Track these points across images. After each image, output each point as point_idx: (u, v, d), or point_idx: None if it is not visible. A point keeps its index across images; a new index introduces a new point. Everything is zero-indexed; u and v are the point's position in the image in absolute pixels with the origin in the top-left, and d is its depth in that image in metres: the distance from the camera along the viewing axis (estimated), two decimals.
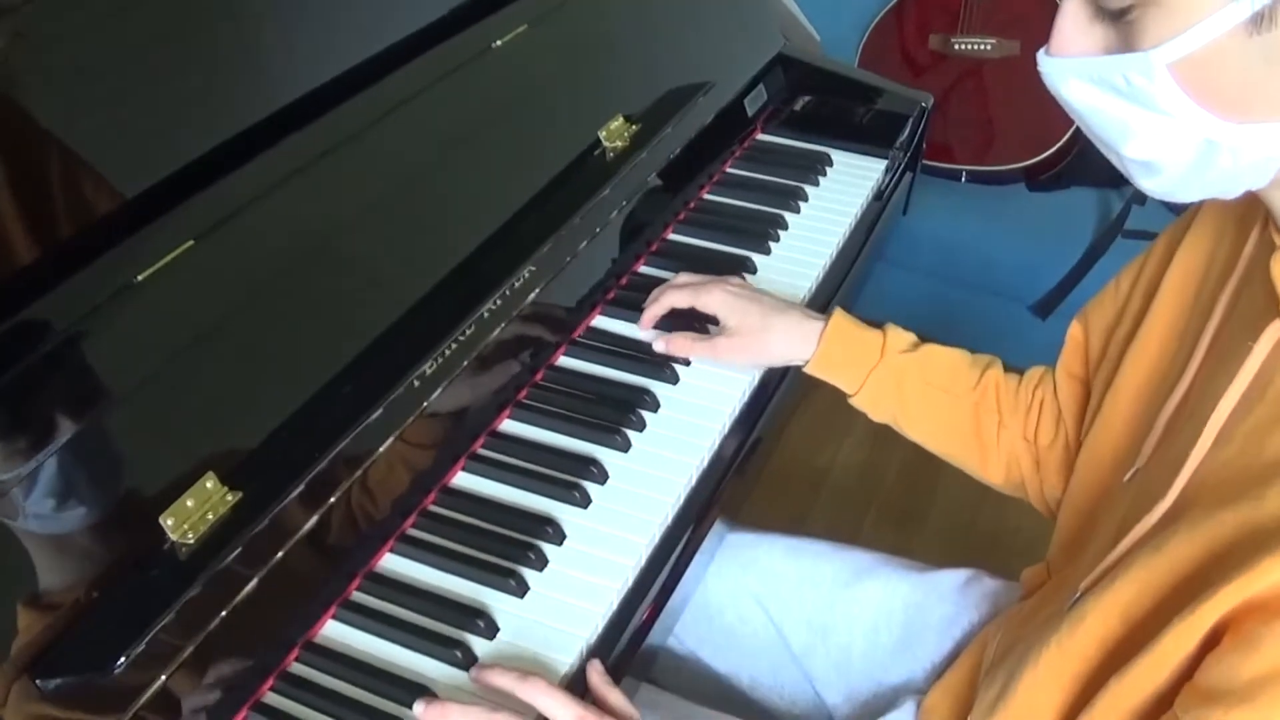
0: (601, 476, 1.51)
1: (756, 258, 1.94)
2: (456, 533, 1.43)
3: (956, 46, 3.21)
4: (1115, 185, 3.15)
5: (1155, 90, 0.98)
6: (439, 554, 1.40)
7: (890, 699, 1.60)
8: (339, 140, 1.53)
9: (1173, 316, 1.36)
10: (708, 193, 2.11)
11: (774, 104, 2.32)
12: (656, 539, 1.46)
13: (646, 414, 1.60)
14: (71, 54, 1.32)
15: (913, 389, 1.63)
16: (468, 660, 1.28)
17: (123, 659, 1.11)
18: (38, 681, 1.08)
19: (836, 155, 2.23)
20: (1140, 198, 3.02)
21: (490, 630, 1.32)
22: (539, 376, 1.67)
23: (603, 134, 1.87)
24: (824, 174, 2.18)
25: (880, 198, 2.18)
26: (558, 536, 1.42)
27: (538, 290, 1.64)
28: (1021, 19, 3.14)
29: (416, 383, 1.44)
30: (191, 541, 1.20)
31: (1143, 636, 1.12)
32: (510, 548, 1.40)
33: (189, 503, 1.21)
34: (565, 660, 1.31)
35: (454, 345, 1.50)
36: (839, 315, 1.66)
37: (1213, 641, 1.06)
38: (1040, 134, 3.12)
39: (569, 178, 1.79)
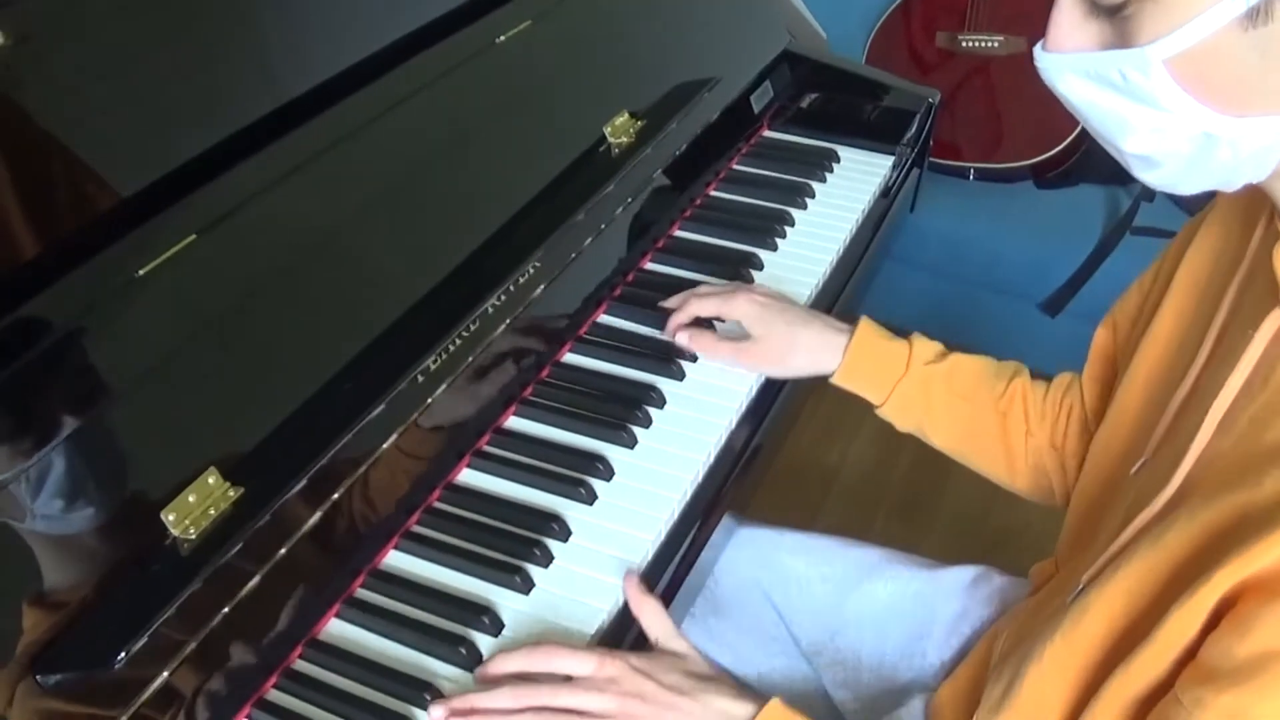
0: (607, 473, 1.50)
1: (763, 254, 1.93)
2: (462, 529, 1.43)
3: (964, 44, 3.20)
4: (1124, 182, 3.14)
5: (1152, 86, 0.98)
6: (444, 551, 1.40)
7: (899, 696, 1.59)
8: (342, 136, 1.53)
9: (1183, 310, 1.36)
10: (714, 189, 2.10)
11: (780, 101, 2.32)
12: (663, 535, 1.45)
13: (653, 410, 1.60)
14: (75, 49, 1.32)
15: (939, 400, 1.63)
16: (473, 657, 1.27)
17: (123, 654, 1.10)
18: (38, 677, 1.07)
19: (843, 152, 2.22)
20: (1149, 194, 3.01)
21: (496, 627, 1.31)
22: (545, 373, 1.66)
23: (607, 130, 1.86)
24: (831, 170, 2.17)
25: (887, 194, 2.17)
26: (563, 533, 1.42)
27: (543, 287, 1.64)
28: (1028, 16, 3.13)
29: (420, 378, 1.44)
30: (193, 537, 1.19)
31: (1145, 625, 1.12)
32: (516, 544, 1.40)
33: (190, 498, 1.20)
34: None
35: (458, 341, 1.49)
36: (864, 327, 1.65)
37: (1213, 626, 1.06)
38: (1048, 131, 3.11)
39: (573, 174, 1.78)
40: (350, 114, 1.55)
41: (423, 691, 1.23)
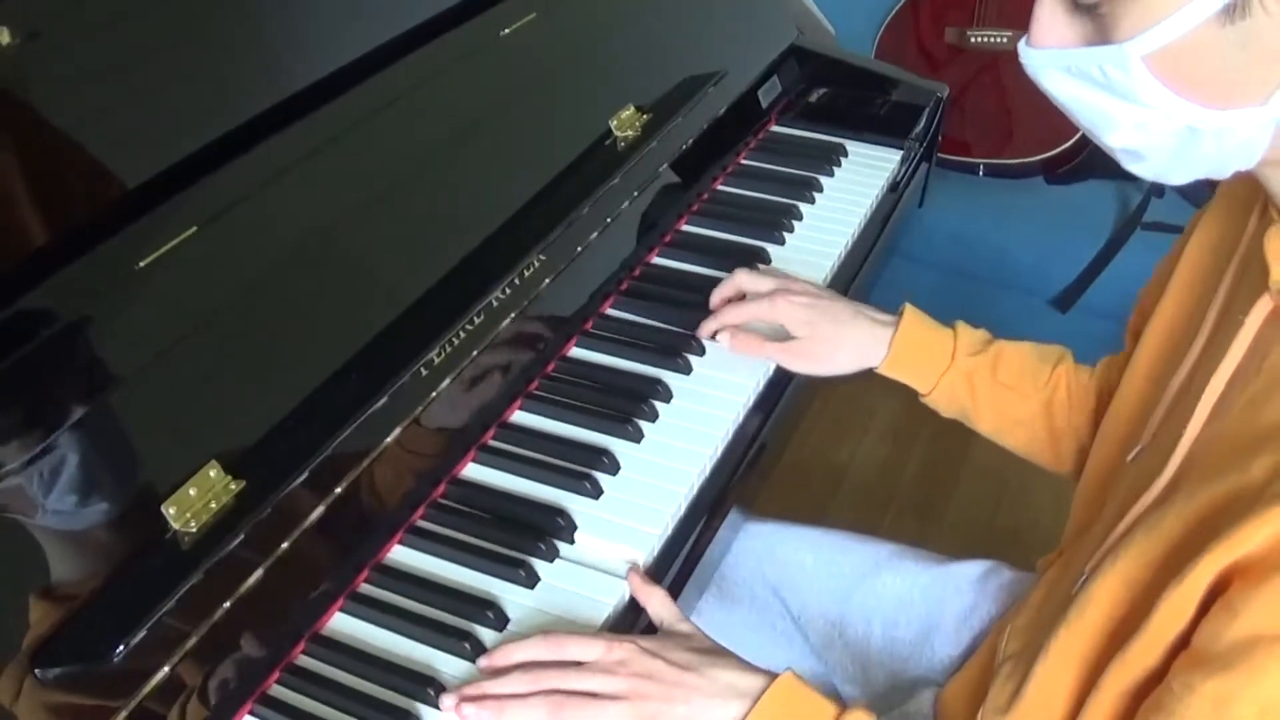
0: (613, 467, 1.49)
1: (770, 248, 1.92)
2: (466, 524, 1.42)
3: (972, 40, 3.19)
4: (1133, 178, 3.10)
5: (1132, 82, 0.99)
6: (448, 545, 1.39)
7: (908, 691, 1.58)
8: (345, 129, 1.53)
9: (1183, 298, 1.37)
10: (721, 184, 2.09)
11: (788, 96, 2.31)
12: (669, 529, 1.44)
13: (659, 404, 1.59)
14: (78, 44, 1.31)
15: (983, 388, 1.63)
16: (476, 652, 1.26)
17: (122, 647, 1.09)
18: (37, 671, 1.06)
19: (851, 146, 2.22)
20: (1159, 189, 3.01)
21: (500, 621, 1.30)
22: (550, 367, 1.65)
23: (613, 123, 1.85)
24: (839, 165, 2.16)
25: (895, 189, 2.16)
26: (568, 527, 1.41)
27: (548, 281, 1.63)
28: None
29: (424, 372, 1.43)
30: (194, 530, 1.18)
31: (1141, 614, 1.11)
32: (520, 539, 1.39)
33: (191, 491, 1.19)
34: None
35: (462, 334, 1.48)
36: (909, 318, 1.65)
37: (1206, 612, 1.06)
38: (1058, 126, 3.09)
39: (579, 167, 1.77)
40: (354, 107, 1.54)
41: (427, 687, 1.22)
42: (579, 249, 1.70)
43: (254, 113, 1.44)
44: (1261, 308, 1.12)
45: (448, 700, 1.20)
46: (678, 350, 1.67)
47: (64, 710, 1.08)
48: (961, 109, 3.20)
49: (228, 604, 1.19)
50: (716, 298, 1.72)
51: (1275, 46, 0.94)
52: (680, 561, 1.43)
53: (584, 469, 1.48)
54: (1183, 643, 1.08)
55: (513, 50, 1.80)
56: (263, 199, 1.41)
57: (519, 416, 1.58)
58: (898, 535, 1.78)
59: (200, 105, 1.41)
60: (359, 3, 1.62)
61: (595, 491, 1.45)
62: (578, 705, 1.19)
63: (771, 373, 1.67)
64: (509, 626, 1.30)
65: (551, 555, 1.38)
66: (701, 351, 1.69)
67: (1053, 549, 1.54)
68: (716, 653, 1.27)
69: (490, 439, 1.53)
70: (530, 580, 1.34)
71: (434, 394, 1.44)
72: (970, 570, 1.69)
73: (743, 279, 1.70)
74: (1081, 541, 1.40)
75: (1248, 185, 1.17)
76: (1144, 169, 1.10)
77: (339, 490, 1.31)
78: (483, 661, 1.25)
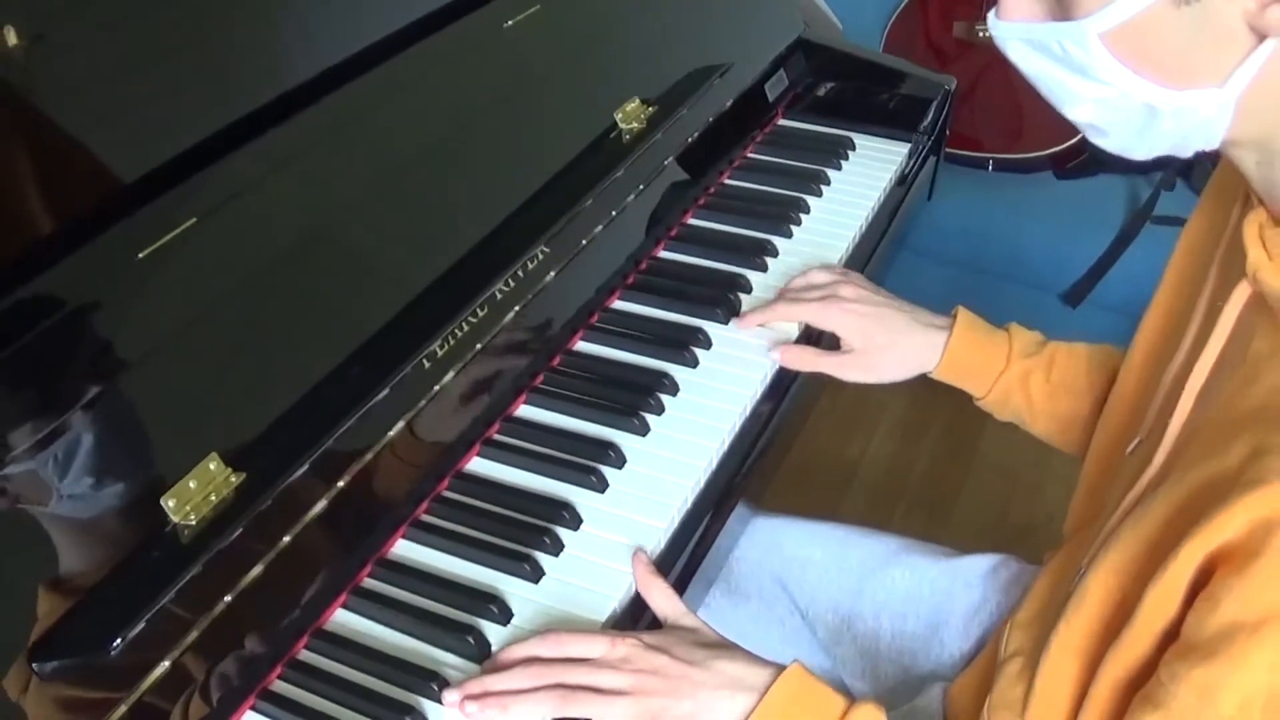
0: (619, 461, 1.48)
1: (778, 241, 1.90)
2: (471, 518, 1.40)
3: (981, 34, 3.17)
4: (1144, 172, 3.12)
5: (1090, 59, 1.01)
6: (453, 539, 1.38)
7: (917, 686, 1.57)
8: (347, 120, 1.52)
9: (1176, 288, 1.38)
10: (728, 177, 2.08)
11: (795, 89, 2.30)
12: (676, 523, 1.43)
13: (665, 397, 1.57)
14: (80, 33, 1.31)
15: (1038, 390, 1.62)
16: (481, 647, 1.25)
17: (119, 640, 1.08)
18: (35, 665, 1.05)
19: (859, 139, 2.20)
20: (1169, 183, 3.00)
21: (504, 616, 1.29)
22: (556, 361, 1.64)
23: (618, 116, 1.85)
24: (846, 158, 2.15)
25: (904, 182, 2.15)
26: (574, 521, 1.40)
27: (553, 273, 1.62)
28: None
29: (427, 364, 1.42)
30: (193, 523, 1.18)
31: (1133, 604, 1.11)
32: (525, 533, 1.37)
33: (191, 484, 1.18)
34: None
35: (465, 326, 1.47)
36: (963, 323, 1.64)
37: (1192, 602, 1.06)
38: (1067, 121, 3.05)
39: (583, 160, 1.76)
40: (356, 99, 1.54)
41: (430, 682, 1.21)
42: (584, 242, 1.69)
43: (257, 104, 1.44)
44: (1240, 294, 1.13)
45: (451, 696, 1.19)
46: (684, 344, 1.65)
47: (64, 704, 1.07)
48: (970, 104, 3.18)
49: (229, 598, 1.17)
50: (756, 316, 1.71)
51: (1230, 28, 0.95)
52: (687, 555, 1.42)
53: (590, 463, 1.46)
54: (1173, 632, 1.08)
55: (516, 43, 1.79)
56: (264, 191, 1.40)
57: (524, 410, 1.56)
58: (908, 532, 1.77)
59: (203, 97, 1.41)
60: None
61: (601, 485, 1.44)
62: (583, 699, 1.18)
63: (778, 365, 1.66)
64: (513, 621, 1.29)
65: (556, 549, 1.36)
66: (708, 345, 1.67)
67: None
68: (722, 646, 1.26)
69: (495, 433, 1.52)
70: (535, 574, 1.33)
71: (438, 387, 1.43)
72: (980, 564, 1.67)
73: (796, 281, 1.70)
74: (1082, 535, 1.41)
75: (1235, 174, 1.16)
76: (1108, 144, 1.12)
77: (341, 484, 1.30)
78: (486, 664, 1.24)
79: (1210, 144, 1.06)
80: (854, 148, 2.18)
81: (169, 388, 1.23)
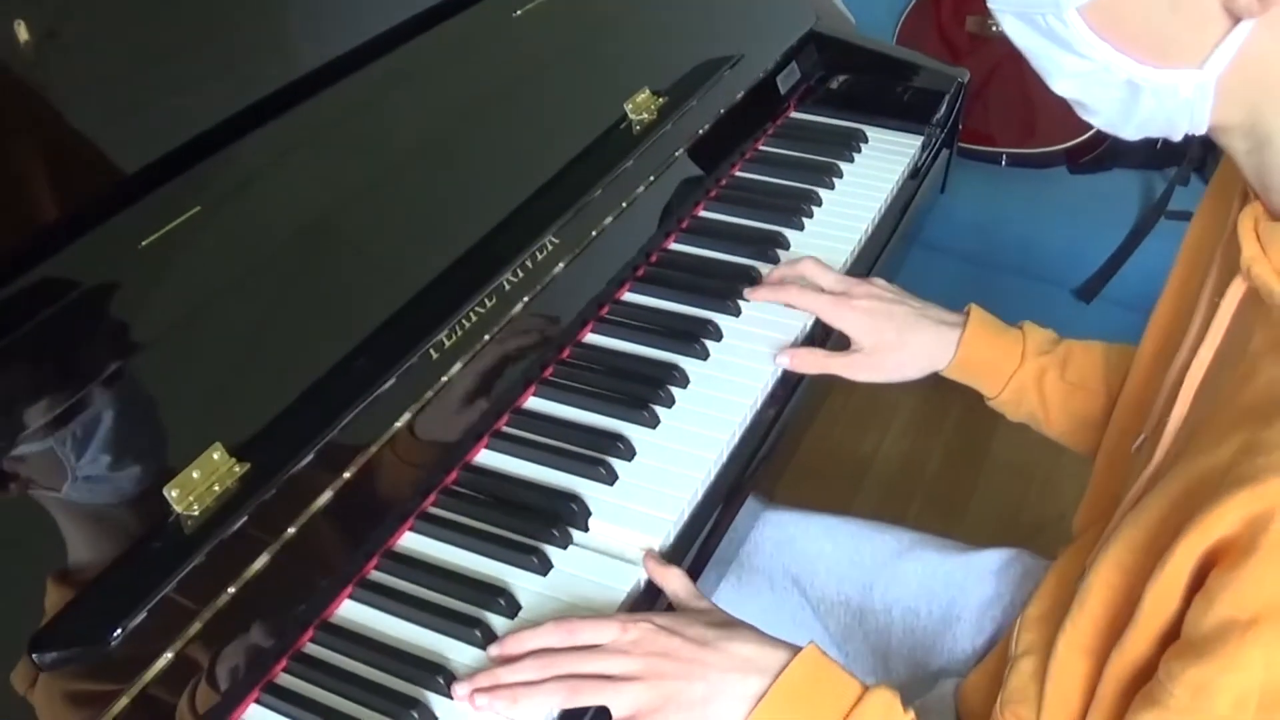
0: (629, 453, 1.46)
1: (790, 233, 1.89)
2: (479, 510, 1.39)
3: (994, 28, 3.15)
4: (1157, 167, 3.11)
5: (1069, 33, 1.02)
6: (460, 532, 1.37)
7: (929, 682, 1.56)
8: (354, 109, 1.51)
9: (1180, 285, 1.37)
10: (740, 169, 2.07)
11: (807, 82, 2.29)
12: (686, 516, 1.41)
13: (676, 390, 1.56)
14: (86, 21, 1.30)
15: (1052, 389, 1.60)
16: (487, 640, 1.24)
17: (119, 631, 1.07)
18: (34, 656, 1.04)
19: (871, 132, 2.19)
20: (1183, 179, 2.99)
21: (512, 609, 1.28)
22: (566, 353, 1.63)
23: (628, 106, 1.83)
24: (859, 150, 2.14)
25: (916, 175, 2.14)
26: (583, 514, 1.38)
27: (563, 265, 1.61)
28: None
29: (434, 354, 1.41)
30: (196, 514, 1.17)
31: (1135, 602, 1.11)
32: (533, 525, 1.36)
33: (194, 474, 1.17)
34: None
35: (473, 317, 1.46)
36: (976, 320, 1.62)
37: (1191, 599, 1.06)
38: (1080, 115, 3.06)
39: (593, 150, 1.75)
40: (364, 87, 1.53)
41: (436, 675, 1.20)
42: (594, 233, 1.68)
43: (264, 93, 1.43)
44: (1236, 289, 1.12)
45: (460, 689, 1.18)
46: (695, 336, 1.64)
47: (66, 694, 1.06)
48: (983, 98, 3.17)
49: (232, 589, 1.16)
50: (775, 275, 1.70)
51: (1205, 9, 0.96)
52: (696, 549, 1.41)
53: (599, 455, 1.45)
54: (1174, 630, 1.07)
55: (526, 32, 1.78)
56: (270, 179, 1.39)
57: (533, 402, 1.55)
58: (922, 528, 1.76)
59: (210, 85, 1.40)
60: None
61: (610, 477, 1.43)
62: (593, 688, 1.17)
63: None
64: (520, 614, 1.28)
65: (565, 542, 1.35)
66: (719, 337, 1.66)
67: None
68: (735, 626, 1.24)
69: (504, 425, 1.51)
70: (543, 567, 1.32)
71: (445, 378, 1.42)
72: (993, 559, 1.66)
73: (808, 267, 1.68)
74: (1091, 532, 1.40)
75: (1235, 168, 1.16)
76: (1096, 121, 1.13)
77: (347, 475, 1.29)
78: (493, 650, 1.22)
79: (1198, 128, 1.06)
80: (866, 140, 2.17)
81: (172, 376, 1.22)
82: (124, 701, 1.07)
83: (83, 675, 1.06)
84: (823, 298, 1.64)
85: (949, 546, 1.69)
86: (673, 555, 1.38)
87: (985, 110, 3.18)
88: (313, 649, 1.25)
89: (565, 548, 1.35)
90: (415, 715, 1.16)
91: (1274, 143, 1.04)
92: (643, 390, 1.54)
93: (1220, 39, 0.97)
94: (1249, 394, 1.06)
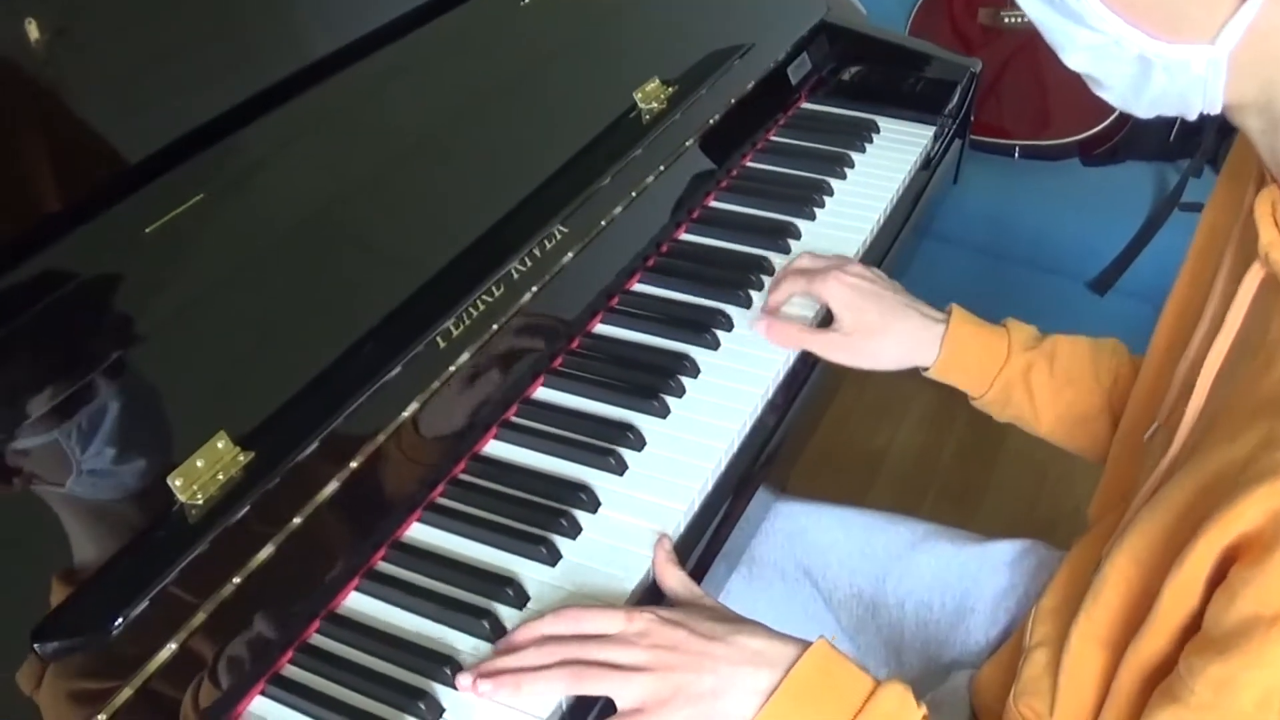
0: (639, 443, 1.45)
1: (801, 223, 1.88)
2: (487, 501, 1.38)
3: (1006, 20, 3.15)
4: (1171, 158, 3.10)
5: (1082, 6, 1.00)
6: (469, 522, 1.35)
7: (942, 674, 1.54)
8: (361, 96, 1.50)
9: (1194, 272, 1.35)
10: (751, 160, 2.06)
11: (819, 73, 2.27)
12: (696, 506, 1.40)
13: (686, 380, 1.55)
14: (91, 9, 1.29)
15: (1041, 385, 1.57)
16: (496, 631, 1.23)
17: (120, 620, 1.06)
18: (36, 646, 1.03)
19: (883, 123, 2.18)
20: (1197, 170, 2.97)
21: (520, 599, 1.26)
22: (575, 343, 1.62)
23: (638, 96, 1.82)
24: (871, 141, 2.13)
25: (929, 165, 2.12)
26: (592, 504, 1.37)
27: (571, 254, 1.60)
28: None
29: (441, 343, 1.40)
30: (200, 503, 1.15)
31: (1152, 595, 1.09)
32: (542, 515, 1.35)
33: (198, 463, 1.16)
34: None
35: (481, 306, 1.45)
36: (959, 316, 1.59)
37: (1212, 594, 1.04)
38: (1093, 107, 3.06)
39: (602, 140, 1.74)
40: (371, 75, 1.52)
41: (443, 666, 1.19)
42: (603, 223, 1.67)
43: (272, 81, 1.42)
44: (1253, 276, 1.11)
45: (463, 679, 1.17)
46: (706, 326, 1.63)
47: (67, 685, 1.04)
48: (996, 91, 3.16)
49: (237, 580, 1.15)
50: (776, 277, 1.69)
51: None
52: (707, 539, 1.40)
53: (609, 445, 1.44)
54: (1193, 624, 1.06)
55: (534, 20, 1.77)
56: (274, 168, 1.38)
57: (542, 392, 1.54)
58: (937, 520, 1.74)
59: (217, 73, 1.39)
60: None
61: (620, 468, 1.42)
62: (598, 676, 1.15)
63: (801, 348, 1.63)
64: (529, 604, 1.27)
65: (574, 532, 1.34)
66: (730, 327, 1.65)
67: None
68: (742, 621, 1.22)
69: (513, 415, 1.50)
70: (552, 558, 1.31)
71: (453, 368, 1.41)
72: (1007, 550, 1.64)
73: (805, 260, 1.66)
74: (1105, 522, 1.39)
75: (1250, 153, 1.14)
76: (1109, 97, 1.10)
77: (354, 465, 1.28)
78: (499, 643, 1.21)
79: (1212, 106, 1.04)
80: (878, 130, 2.16)
81: (176, 364, 1.21)
82: (128, 693, 1.06)
83: (85, 665, 1.05)
84: (811, 273, 1.62)
85: (963, 538, 1.68)
86: (683, 546, 1.36)
87: (998, 102, 3.17)
88: (319, 640, 1.24)
89: (575, 538, 1.34)
90: (422, 706, 1.15)
91: None
92: (653, 380, 1.53)
93: (1231, 13, 0.95)
94: (1269, 384, 1.04)
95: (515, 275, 1.51)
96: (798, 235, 1.86)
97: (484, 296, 1.46)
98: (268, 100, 1.40)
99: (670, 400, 1.51)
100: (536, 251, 1.54)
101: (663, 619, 1.19)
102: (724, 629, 1.19)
